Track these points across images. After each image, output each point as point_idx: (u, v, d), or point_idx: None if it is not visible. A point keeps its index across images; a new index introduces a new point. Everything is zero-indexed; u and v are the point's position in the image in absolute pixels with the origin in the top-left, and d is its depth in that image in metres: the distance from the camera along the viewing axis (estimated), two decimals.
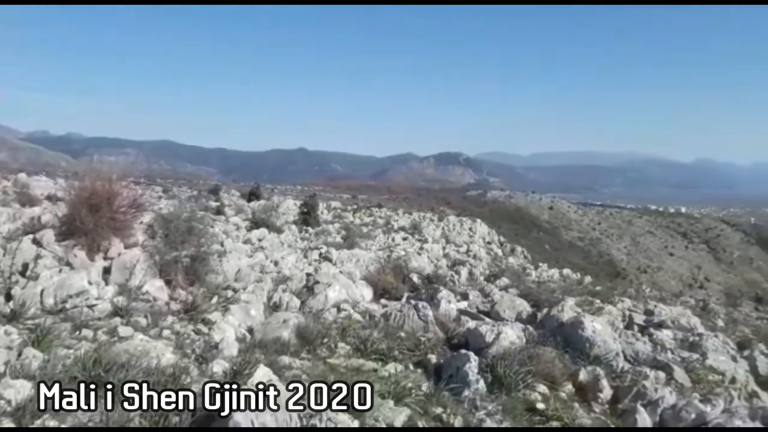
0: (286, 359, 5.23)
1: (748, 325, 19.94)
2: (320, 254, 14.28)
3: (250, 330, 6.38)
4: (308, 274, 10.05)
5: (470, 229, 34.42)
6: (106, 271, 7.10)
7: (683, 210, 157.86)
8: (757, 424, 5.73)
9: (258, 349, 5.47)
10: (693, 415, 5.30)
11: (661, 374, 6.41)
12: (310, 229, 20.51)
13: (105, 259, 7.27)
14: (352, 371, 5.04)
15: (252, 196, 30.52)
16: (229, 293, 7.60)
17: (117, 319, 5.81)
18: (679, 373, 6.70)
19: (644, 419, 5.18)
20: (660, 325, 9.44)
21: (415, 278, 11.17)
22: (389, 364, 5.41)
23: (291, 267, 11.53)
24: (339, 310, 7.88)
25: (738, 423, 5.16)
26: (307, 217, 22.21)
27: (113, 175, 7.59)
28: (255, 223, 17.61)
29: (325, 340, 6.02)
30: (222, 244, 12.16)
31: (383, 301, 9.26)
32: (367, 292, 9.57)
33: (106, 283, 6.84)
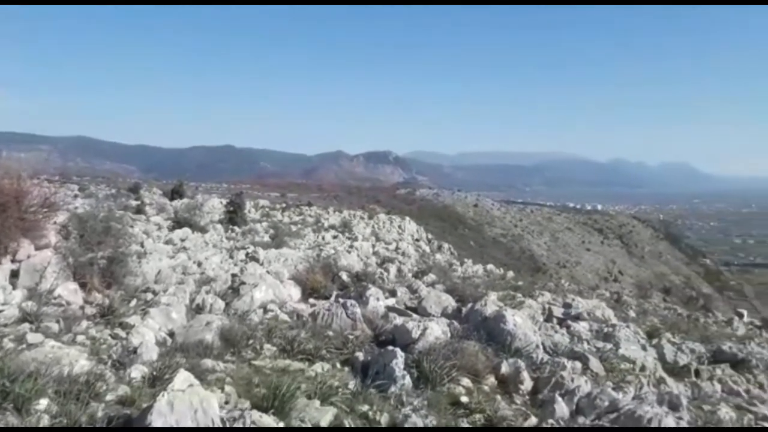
0: (209, 362, 5.10)
1: (657, 315, 21.28)
2: (247, 254, 14.00)
3: (171, 334, 6.17)
4: (234, 275, 9.84)
5: (399, 226, 34.79)
6: (14, 275, 6.66)
7: (599, 207, 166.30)
8: (664, 409, 6.14)
9: (179, 353, 5.31)
10: (606, 403, 5.61)
11: (578, 364, 6.74)
12: (236, 228, 20.05)
13: (13, 261, 6.82)
14: (278, 372, 4.99)
15: (175, 194, 29.45)
16: (149, 296, 7.32)
17: (25, 326, 5.46)
18: (595, 363, 7.08)
19: (562, 408, 5.44)
20: (577, 318, 9.92)
21: (344, 276, 11.17)
22: (316, 363, 5.40)
23: (215, 268, 11.24)
24: (266, 310, 7.76)
25: (647, 408, 5.50)
26: (233, 216, 21.69)
27: (23, 173, 7.14)
28: (177, 223, 17.02)
29: (251, 341, 5.92)
30: (142, 245, 11.69)
31: (312, 300, 9.21)
32: (296, 292, 9.48)
33: (14, 288, 6.42)
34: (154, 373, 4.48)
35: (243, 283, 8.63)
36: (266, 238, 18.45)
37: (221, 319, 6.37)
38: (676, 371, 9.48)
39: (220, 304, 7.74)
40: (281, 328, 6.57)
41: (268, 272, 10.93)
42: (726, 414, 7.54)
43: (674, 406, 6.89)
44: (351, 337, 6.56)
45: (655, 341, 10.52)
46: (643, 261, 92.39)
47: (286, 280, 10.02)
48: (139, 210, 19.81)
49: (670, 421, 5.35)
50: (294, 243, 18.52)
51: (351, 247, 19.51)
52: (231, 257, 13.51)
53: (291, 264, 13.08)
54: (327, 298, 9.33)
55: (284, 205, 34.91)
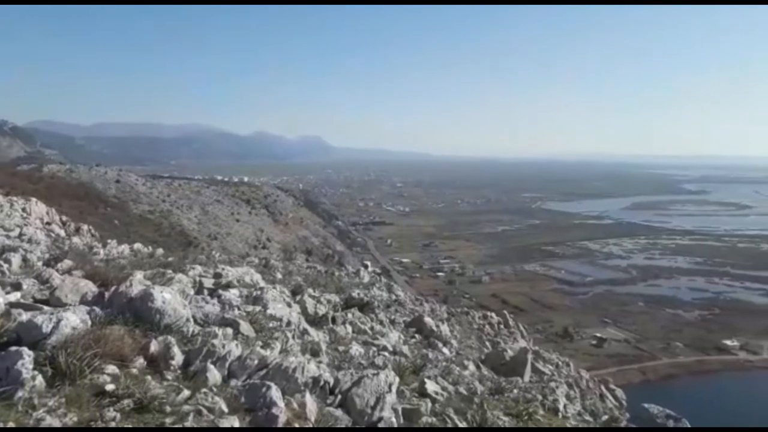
0: None
1: (301, 274, 23.45)
2: None
3: None
4: None
5: (24, 209, 29.56)
6: None
7: (246, 179, 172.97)
8: (307, 357, 6.90)
9: None
10: (256, 361, 6.01)
11: (229, 330, 7.00)
12: None
13: None
14: None
15: None
16: None
17: None
18: (245, 326, 7.46)
19: (214, 375, 5.60)
20: (228, 286, 10.21)
21: None
22: None
23: None
24: None
25: (292, 359, 6.10)
26: None
27: None
28: None
29: None
30: None
31: None
32: None
33: None
34: None
35: None
36: None
37: None
38: (317, 321, 10.72)
39: None
40: None
41: None
42: (356, 351, 8.91)
43: (315, 353, 7.83)
44: None
45: (298, 297, 11.63)
46: (288, 227, 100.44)
47: None
48: None
49: (312, 367, 6.06)
50: None
51: None
52: None
53: None
54: None
55: None
